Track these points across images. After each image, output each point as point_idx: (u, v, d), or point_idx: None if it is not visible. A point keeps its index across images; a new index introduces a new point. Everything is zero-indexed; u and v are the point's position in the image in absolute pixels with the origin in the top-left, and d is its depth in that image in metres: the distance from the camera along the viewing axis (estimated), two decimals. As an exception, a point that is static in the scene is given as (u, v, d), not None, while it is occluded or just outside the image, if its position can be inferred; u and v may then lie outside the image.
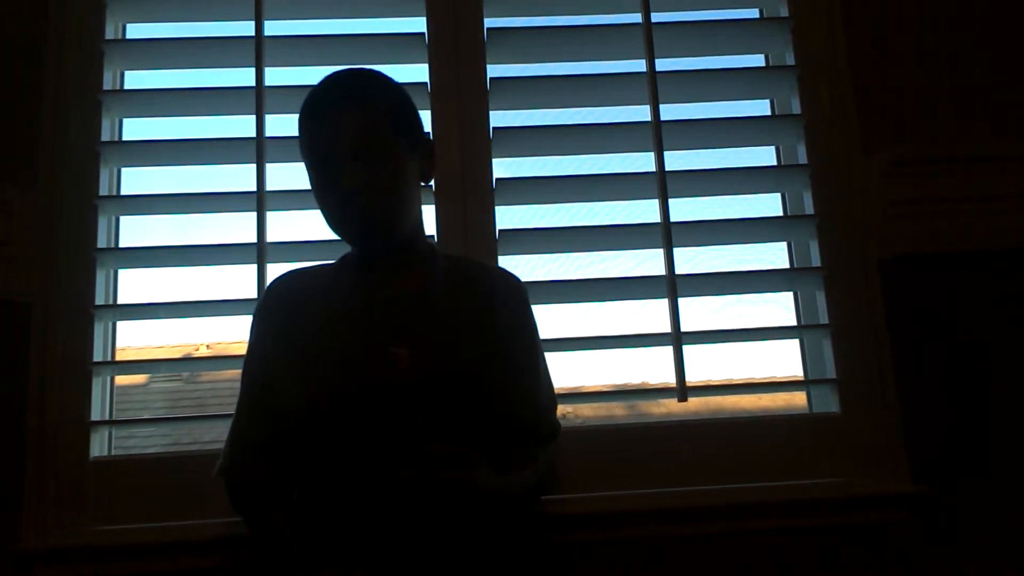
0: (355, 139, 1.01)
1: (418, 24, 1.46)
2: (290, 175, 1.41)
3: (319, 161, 1.03)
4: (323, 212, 1.06)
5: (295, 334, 1.06)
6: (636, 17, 1.46)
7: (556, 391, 1.19)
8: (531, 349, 1.15)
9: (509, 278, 1.17)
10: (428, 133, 1.13)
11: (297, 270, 1.16)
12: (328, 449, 1.01)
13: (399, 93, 1.09)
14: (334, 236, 1.08)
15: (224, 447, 1.11)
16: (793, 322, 1.49)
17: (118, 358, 1.42)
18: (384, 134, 1.03)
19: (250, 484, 1.09)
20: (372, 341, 1.01)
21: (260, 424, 1.08)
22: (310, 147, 1.04)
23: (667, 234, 1.38)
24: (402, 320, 1.04)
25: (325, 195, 1.04)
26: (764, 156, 1.55)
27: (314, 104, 1.04)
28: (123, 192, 1.47)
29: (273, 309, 1.11)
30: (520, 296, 1.15)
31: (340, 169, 1.01)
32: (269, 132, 1.38)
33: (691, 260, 1.44)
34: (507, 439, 1.08)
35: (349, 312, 1.06)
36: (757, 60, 1.57)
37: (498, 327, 1.09)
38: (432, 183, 1.32)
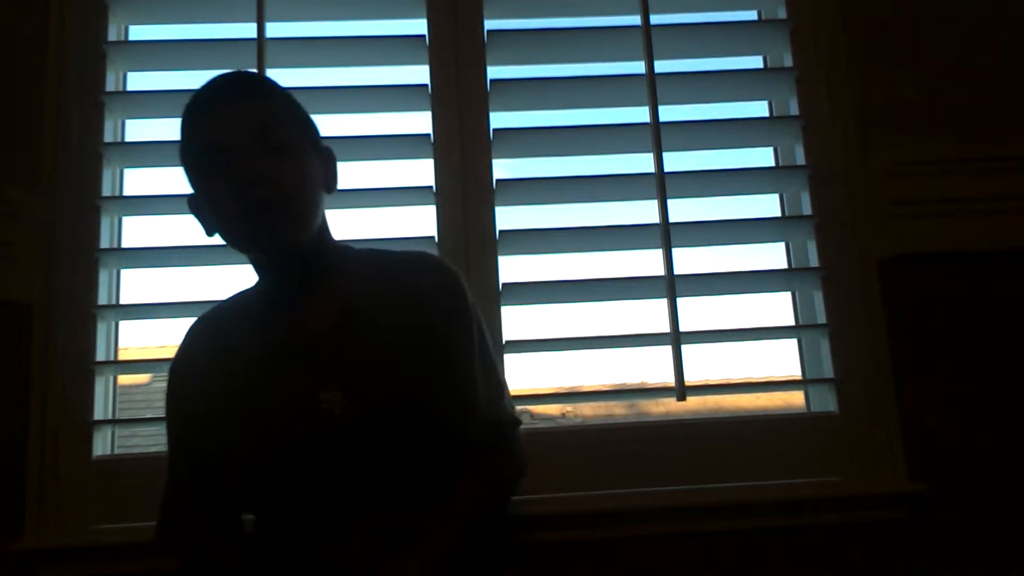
0: (258, 127, 0.92)
1: (419, 26, 1.47)
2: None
3: (213, 152, 0.92)
4: (217, 217, 0.95)
5: (213, 388, 1.00)
6: (635, 19, 1.47)
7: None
8: (467, 353, 1.03)
9: (440, 272, 1.05)
10: (329, 148, 1.06)
11: (217, 308, 1.09)
12: (269, 512, 0.97)
13: (290, 95, 1.02)
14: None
15: (159, 512, 1.05)
16: (791, 322, 1.49)
17: (121, 358, 1.42)
18: (288, 126, 0.96)
19: (188, 547, 1.02)
20: (300, 391, 0.94)
21: (190, 483, 1.02)
22: (202, 140, 0.93)
23: (666, 234, 1.39)
24: (328, 361, 0.96)
25: (218, 192, 0.92)
26: (762, 157, 1.56)
27: (207, 98, 0.95)
28: (126, 193, 1.48)
29: (189, 360, 1.04)
30: (449, 291, 1.03)
31: (239, 159, 0.91)
32: (270, 133, 1.39)
33: (690, 260, 1.45)
34: (459, 452, 1.01)
35: (270, 361, 0.98)
36: (755, 62, 1.57)
37: (432, 335, 0.99)
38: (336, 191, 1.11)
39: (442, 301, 1.02)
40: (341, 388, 0.93)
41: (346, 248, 1.07)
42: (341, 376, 0.94)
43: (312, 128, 1.02)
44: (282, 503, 0.95)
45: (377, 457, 0.94)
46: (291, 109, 0.99)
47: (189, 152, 0.96)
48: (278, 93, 0.99)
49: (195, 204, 1.01)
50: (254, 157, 0.91)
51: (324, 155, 1.03)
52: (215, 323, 1.07)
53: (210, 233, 1.01)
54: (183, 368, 1.05)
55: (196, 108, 0.95)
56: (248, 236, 0.94)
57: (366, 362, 0.96)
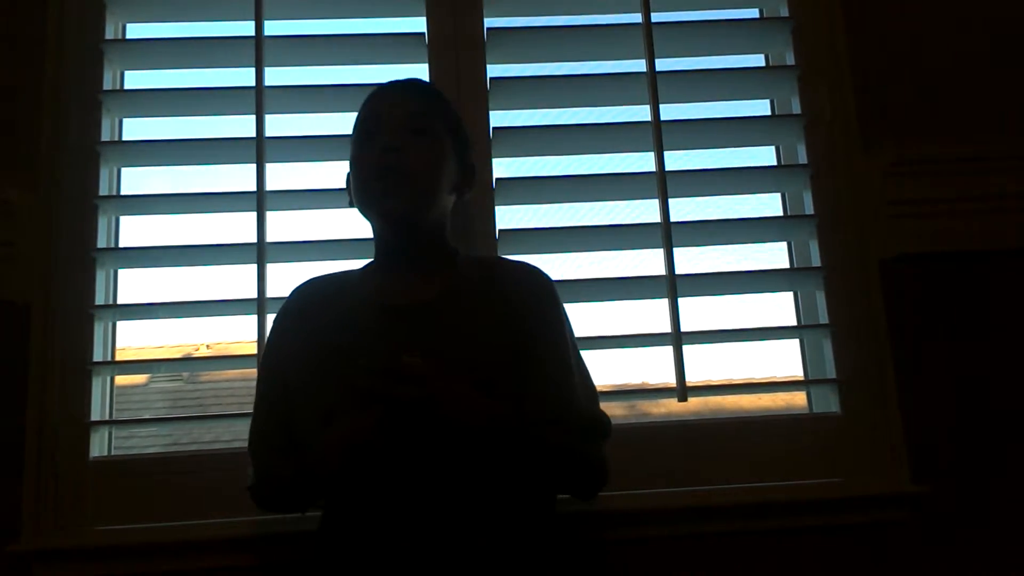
0: (410, 112, 1.08)
1: (418, 24, 1.46)
2: (290, 175, 1.42)
3: (370, 121, 1.09)
4: (355, 181, 1.09)
5: (311, 342, 1.07)
6: (636, 17, 1.46)
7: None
8: (559, 345, 1.09)
9: (536, 277, 1.13)
10: (474, 165, 1.19)
11: (321, 276, 1.17)
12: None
13: (456, 112, 1.17)
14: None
15: (250, 461, 1.10)
16: (793, 322, 1.49)
17: (118, 358, 1.42)
18: (433, 119, 1.10)
19: (277, 479, 1.06)
20: (383, 351, 0.99)
21: (279, 429, 1.07)
22: (364, 111, 1.11)
23: (667, 234, 1.38)
24: (417, 329, 1.04)
25: (362, 156, 1.08)
26: (764, 156, 1.55)
27: (381, 86, 1.14)
28: (123, 192, 1.47)
29: (292, 315, 1.12)
30: (547, 296, 1.11)
31: (387, 129, 1.07)
32: (269, 132, 1.38)
33: (691, 260, 1.44)
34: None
35: (364, 322, 1.06)
36: (757, 60, 1.56)
37: (521, 332, 1.05)
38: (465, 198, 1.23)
39: (537, 304, 1.10)
40: (422, 354, 0.98)
41: (456, 249, 1.17)
42: (427, 345, 1.00)
43: (460, 136, 1.15)
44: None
45: (442, 431, 0.96)
46: (443, 111, 1.13)
47: (355, 124, 1.13)
48: (438, 98, 1.15)
49: (348, 177, 1.14)
50: (399, 131, 1.07)
51: (465, 166, 1.16)
52: (321, 285, 1.15)
53: (350, 204, 1.14)
54: (288, 314, 1.13)
55: (371, 93, 1.14)
56: (370, 195, 1.07)
57: (452, 337, 1.04)
